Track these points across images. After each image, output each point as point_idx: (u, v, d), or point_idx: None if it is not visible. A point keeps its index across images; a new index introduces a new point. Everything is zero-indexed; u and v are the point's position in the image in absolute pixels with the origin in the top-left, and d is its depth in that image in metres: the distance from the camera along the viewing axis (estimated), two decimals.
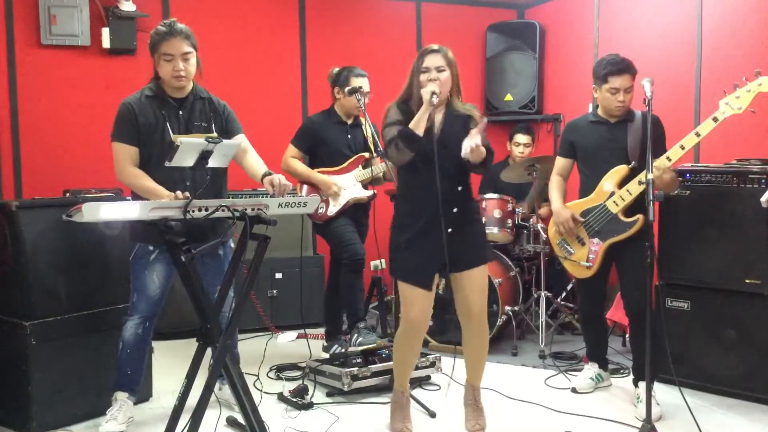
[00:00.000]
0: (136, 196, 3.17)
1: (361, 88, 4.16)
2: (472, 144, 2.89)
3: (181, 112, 3.25)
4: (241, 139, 3.31)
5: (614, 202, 3.55)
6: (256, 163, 3.32)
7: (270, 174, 3.16)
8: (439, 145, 2.99)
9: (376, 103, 4.29)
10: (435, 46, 3.08)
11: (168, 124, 3.20)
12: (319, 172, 4.28)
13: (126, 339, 3.26)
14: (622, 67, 3.50)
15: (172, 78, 3.17)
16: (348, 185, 4.26)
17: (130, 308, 3.29)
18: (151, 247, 3.21)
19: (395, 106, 3.13)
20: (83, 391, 3.37)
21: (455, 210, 3.06)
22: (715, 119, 3.26)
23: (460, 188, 3.09)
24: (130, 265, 3.27)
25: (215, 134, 3.13)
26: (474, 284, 3.14)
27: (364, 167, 4.29)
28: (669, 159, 3.36)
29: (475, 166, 3.02)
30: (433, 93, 2.94)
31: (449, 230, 3.03)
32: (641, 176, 3.39)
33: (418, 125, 2.96)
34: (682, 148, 3.33)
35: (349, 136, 4.34)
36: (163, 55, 3.15)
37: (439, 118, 3.10)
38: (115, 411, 3.22)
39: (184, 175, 3.16)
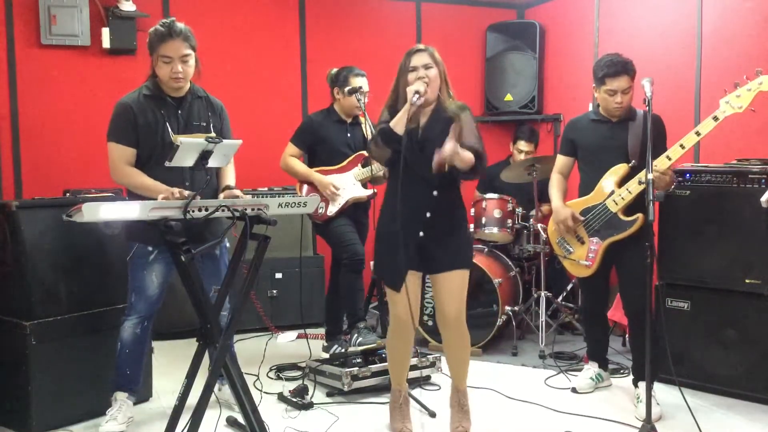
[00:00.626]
0: (132, 196, 3.16)
1: (360, 88, 4.17)
2: (439, 158, 2.84)
3: (180, 112, 3.24)
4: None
5: (614, 201, 3.55)
6: (228, 174, 3.34)
7: (230, 188, 3.21)
8: (418, 147, 2.99)
9: (376, 102, 4.29)
10: (421, 46, 3.09)
11: (168, 124, 3.19)
12: (318, 170, 4.28)
13: (124, 339, 3.26)
14: (619, 68, 3.49)
15: (169, 79, 3.16)
16: (347, 184, 4.25)
17: (128, 308, 3.28)
18: (150, 248, 3.20)
19: (386, 109, 3.13)
20: (83, 391, 3.37)
21: (428, 215, 3.04)
22: (716, 118, 3.25)
23: (435, 193, 3.05)
24: (128, 266, 3.26)
25: (214, 134, 3.13)
26: (448, 288, 3.11)
27: (363, 166, 4.28)
28: (669, 158, 3.36)
29: (464, 173, 2.98)
30: (416, 92, 2.93)
31: (420, 234, 3.02)
32: (641, 175, 3.39)
33: (398, 123, 2.95)
34: (682, 147, 3.33)
35: (349, 135, 4.34)
36: (162, 56, 3.12)
37: (424, 119, 3.09)
38: (114, 411, 3.22)
39: (183, 175, 3.16)
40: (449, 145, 2.82)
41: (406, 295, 3.01)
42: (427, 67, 3.03)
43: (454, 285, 3.12)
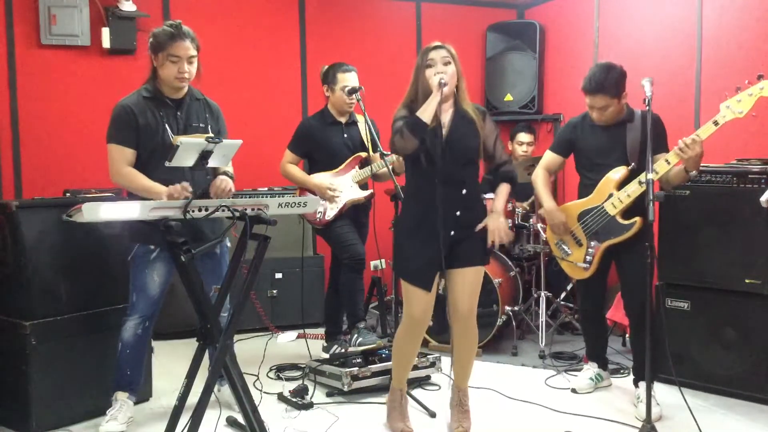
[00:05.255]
0: (132, 197, 3.17)
1: (361, 88, 4.15)
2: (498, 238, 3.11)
3: (179, 113, 3.26)
4: None
5: (612, 204, 3.54)
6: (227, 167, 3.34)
7: (222, 172, 3.20)
8: (446, 146, 2.98)
9: (376, 103, 4.29)
10: (438, 43, 3.08)
11: (167, 125, 3.20)
12: (316, 175, 4.26)
13: (125, 339, 3.26)
14: (593, 86, 3.45)
15: (174, 79, 3.18)
16: (344, 187, 4.23)
17: (129, 308, 3.29)
18: (151, 247, 3.22)
19: (404, 107, 3.09)
20: (83, 391, 3.37)
21: (458, 213, 3.06)
22: (716, 123, 3.22)
23: (464, 191, 3.07)
24: (130, 265, 3.27)
25: (210, 134, 3.14)
26: (465, 284, 3.12)
27: (361, 167, 4.27)
28: (668, 162, 3.35)
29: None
30: (442, 79, 2.93)
31: (452, 233, 3.03)
32: (641, 177, 3.38)
33: (425, 112, 2.93)
34: (668, 162, 3.33)
35: (345, 136, 4.31)
36: (170, 56, 3.14)
37: (446, 117, 3.06)
38: (115, 411, 3.22)
39: (184, 176, 3.16)
40: (502, 231, 3.10)
41: (433, 295, 3.11)
42: (445, 62, 3.02)
43: (471, 281, 3.14)
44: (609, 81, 3.45)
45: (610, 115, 3.52)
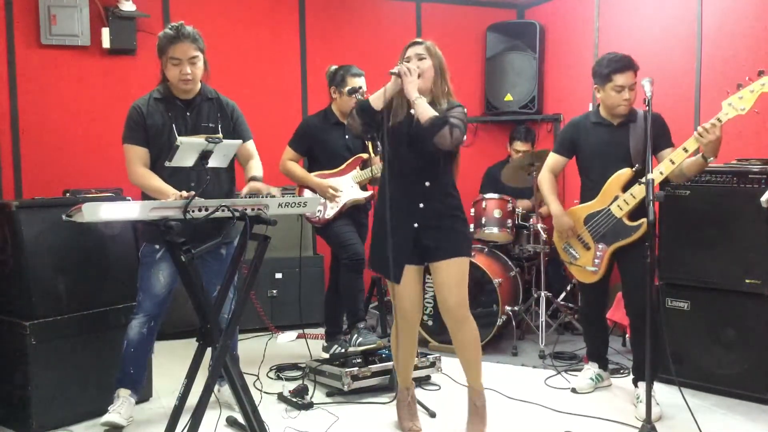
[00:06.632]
0: (146, 197, 3.19)
1: (360, 88, 4.15)
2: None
3: (188, 114, 3.28)
4: (245, 145, 3.33)
5: (618, 206, 3.53)
6: (253, 168, 3.35)
7: (255, 179, 3.22)
8: (410, 139, 3.03)
9: None
10: (418, 39, 3.12)
11: (174, 126, 3.21)
12: (317, 174, 4.27)
13: (130, 338, 3.28)
14: (626, 63, 3.48)
15: (179, 81, 3.21)
16: (345, 187, 4.24)
17: (135, 307, 3.31)
18: (156, 246, 3.24)
19: None
20: (83, 391, 3.37)
21: (421, 205, 3.07)
22: (719, 120, 3.21)
23: (428, 184, 3.07)
24: (138, 264, 3.30)
25: (220, 134, 3.15)
26: (447, 276, 3.10)
27: (362, 168, 4.27)
28: (672, 162, 3.34)
29: (429, 132, 2.91)
30: (391, 71, 2.97)
31: (415, 225, 3.06)
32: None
33: (376, 96, 3.01)
34: (685, 150, 3.32)
35: (347, 137, 4.31)
36: (171, 58, 3.18)
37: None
38: (117, 406, 3.24)
39: (189, 176, 3.17)
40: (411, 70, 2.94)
41: (408, 285, 3.11)
42: (420, 58, 3.05)
43: (452, 273, 3.10)
44: (631, 58, 3.49)
45: (634, 97, 3.51)
